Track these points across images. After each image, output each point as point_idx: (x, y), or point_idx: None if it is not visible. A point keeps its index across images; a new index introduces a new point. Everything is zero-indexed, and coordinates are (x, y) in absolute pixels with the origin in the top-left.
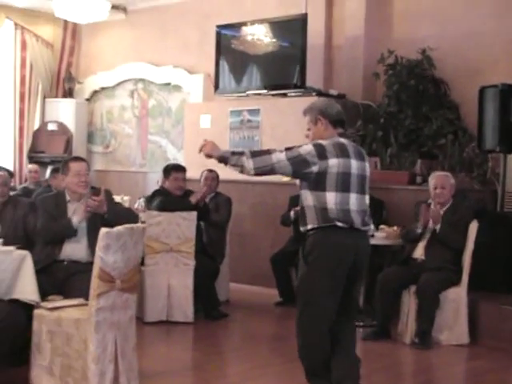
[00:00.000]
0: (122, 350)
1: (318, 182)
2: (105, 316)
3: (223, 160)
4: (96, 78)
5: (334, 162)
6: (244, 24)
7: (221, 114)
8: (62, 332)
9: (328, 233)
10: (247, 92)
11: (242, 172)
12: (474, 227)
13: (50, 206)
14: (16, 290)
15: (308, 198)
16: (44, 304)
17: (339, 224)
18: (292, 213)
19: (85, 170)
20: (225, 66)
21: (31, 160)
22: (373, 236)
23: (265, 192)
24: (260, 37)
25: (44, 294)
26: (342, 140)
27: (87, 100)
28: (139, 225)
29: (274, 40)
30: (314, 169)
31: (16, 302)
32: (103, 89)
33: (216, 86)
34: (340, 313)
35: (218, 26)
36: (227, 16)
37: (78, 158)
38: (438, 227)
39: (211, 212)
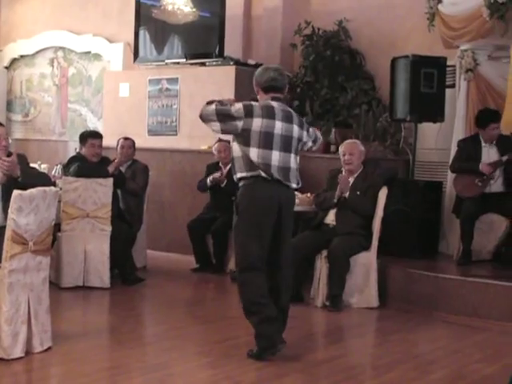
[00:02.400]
0: (35, 312)
1: (243, 137)
2: (18, 277)
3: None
4: (15, 46)
5: (257, 122)
6: None
7: (140, 83)
8: None
9: (254, 184)
10: (166, 61)
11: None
12: (383, 194)
13: None
14: None
15: (237, 149)
16: None
17: (263, 174)
18: (209, 179)
19: (4, 134)
20: (145, 35)
21: None
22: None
23: (183, 160)
24: (180, 6)
25: None
26: (273, 103)
27: (6, 68)
28: (52, 188)
29: (194, 10)
30: (239, 124)
31: None
32: (22, 57)
33: (135, 55)
34: (270, 262)
35: None
36: None
37: None
38: (347, 194)
39: (128, 180)
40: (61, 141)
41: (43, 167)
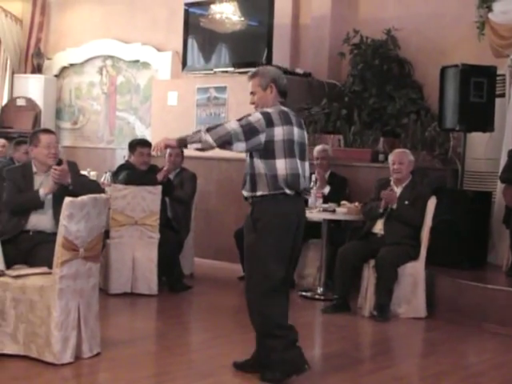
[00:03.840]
0: (85, 318)
1: (267, 151)
2: (68, 284)
3: (182, 143)
4: (65, 55)
5: (279, 130)
6: (212, 2)
7: (188, 91)
8: (26, 299)
9: (276, 200)
10: (214, 70)
11: (204, 149)
12: (432, 204)
13: (17, 178)
14: None
15: (259, 166)
16: (9, 272)
17: (287, 191)
18: None
19: (54, 141)
20: (193, 44)
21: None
22: (334, 211)
23: (230, 169)
24: (228, 15)
25: (9, 263)
26: (285, 108)
27: (56, 76)
28: (103, 195)
29: (242, 19)
30: (262, 137)
31: None
32: (72, 65)
33: (184, 64)
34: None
35: (187, 4)
36: None
37: (47, 130)
38: (394, 206)
39: (176, 188)
40: (109, 148)
41: (92, 174)
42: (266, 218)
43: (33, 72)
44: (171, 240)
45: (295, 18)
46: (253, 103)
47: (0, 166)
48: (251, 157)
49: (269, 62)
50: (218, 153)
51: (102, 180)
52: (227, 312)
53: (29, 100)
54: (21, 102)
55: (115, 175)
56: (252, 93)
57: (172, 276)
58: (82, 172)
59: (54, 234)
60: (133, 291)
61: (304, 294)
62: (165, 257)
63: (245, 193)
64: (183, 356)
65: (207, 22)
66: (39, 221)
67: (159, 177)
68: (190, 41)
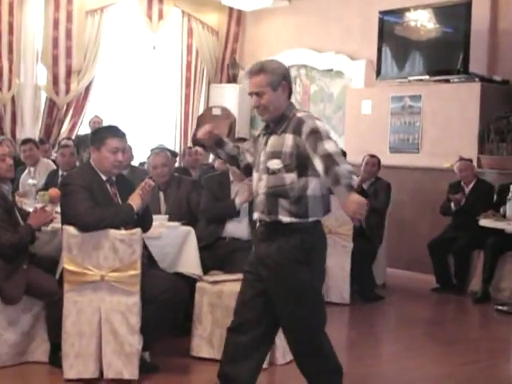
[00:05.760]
0: None
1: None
2: None
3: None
4: None
5: None
6: (407, 10)
7: (382, 100)
8: (222, 304)
9: (319, 227)
10: (409, 78)
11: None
12: None
13: (214, 186)
14: (180, 263)
15: (315, 186)
16: (206, 278)
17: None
18: (453, 204)
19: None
20: (387, 52)
21: (195, 143)
22: None
23: (424, 178)
24: (423, 22)
25: (206, 268)
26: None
27: None
28: None
29: (438, 26)
30: None
31: (179, 275)
32: None
33: (378, 72)
34: None
35: (381, 12)
36: (390, 2)
37: (241, 139)
38: None
39: (370, 197)
40: None
41: None
42: (317, 250)
43: (228, 82)
44: (364, 249)
45: (493, 23)
46: (257, 107)
47: (200, 173)
48: (303, 175)
49: (465, 69)
50: (411, 161)
51: None
52: (419, 323)
53: (224, 109)
54: (216, 111)
55: None
56: (256, 93)
57: (364, 285)
58: None
59: (250, 241)
60: (325, 299)
61: (500, 307)
62: (358, 266)
63: (285, 218)
64: (376, 367)
65: (402, 30)
66: (235, 228)
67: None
68: (383, 49)
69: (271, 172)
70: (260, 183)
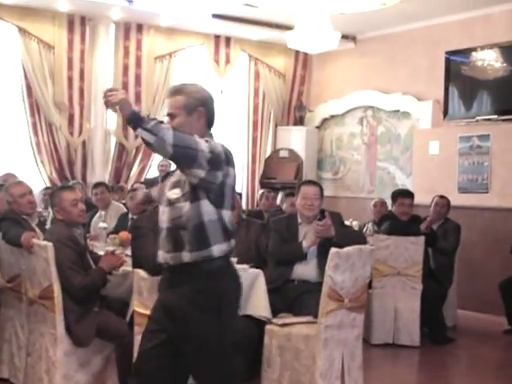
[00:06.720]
0: (348, 368)
1: (218, 195)
2: (332, 333)
3: (135, 119)
4: (326, 106)
5: (231, 172)
6: (474, 49)
7: (450, 140)
8: (291, 347)
9: (229, 268)
10: (477, 117)
11: (152, 146)
12: None
13: (282, 228)
14: (249, 306)
15: (205, 208)
16: (275, 320)
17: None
18: None
19: (313, 193)
20: (454, 92)
21: (263, 185)
22: None
23: (494, 218)
24: (490, 62)
25: (275, 311)
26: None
27: (317, 127)
28: (367, 246)
29: (505, 64)
30: (219, 176)
31: (249, 317)
32: (333, 116)
33: (445, 112)
34: None
35: (448, 53)
36: (456, 42)
37: (308, 182)
38: None
39: (439, 238)
40: (369, 198)
41: (354, 224)
42: (229, 294)
43: (295, 124)
44: (434, 291)
45: None
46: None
47: (268, 216)
48: (195, 200)
49: None
50: (480, 202)
51: (364, 230)
52: (491, 366)
53: (291, 151)
54: (284, 154)
55: (378, 225)
56: (170, 115)
57: (435, 328)
58: (345, 222)
59: (319, 284)
60: (394, 342)
61: None
62: (428, 308)
63: (188, 255)
64: None
65: (468, 70)
66: (304, 270)
67: (422, 227)
68: (450, 89)
69: (171, 203)
70: (163, 217)
